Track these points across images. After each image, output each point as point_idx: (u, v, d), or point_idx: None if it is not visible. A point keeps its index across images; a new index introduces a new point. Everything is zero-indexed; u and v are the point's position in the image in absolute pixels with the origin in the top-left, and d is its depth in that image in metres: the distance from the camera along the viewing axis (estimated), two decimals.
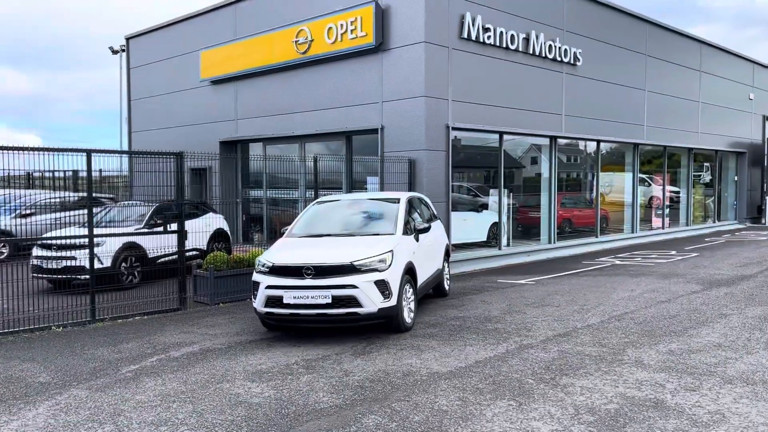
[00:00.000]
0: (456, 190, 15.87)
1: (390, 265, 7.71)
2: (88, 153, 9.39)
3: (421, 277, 8.80)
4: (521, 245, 16.96)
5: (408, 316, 8.16)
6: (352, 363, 6.70)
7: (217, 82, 18.34)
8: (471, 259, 14.97)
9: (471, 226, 16.22)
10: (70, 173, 17.59)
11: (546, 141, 17.28)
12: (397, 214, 8.76)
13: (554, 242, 17.57)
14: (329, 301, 7.43)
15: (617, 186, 21.10)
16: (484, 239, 16.28)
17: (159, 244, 11.65)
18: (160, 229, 11.47)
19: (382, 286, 7.55)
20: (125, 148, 23.48)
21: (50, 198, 17.78)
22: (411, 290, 8.28)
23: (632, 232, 20.75)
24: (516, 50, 15.43)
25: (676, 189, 23.63)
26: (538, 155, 17.85)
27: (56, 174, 21.80)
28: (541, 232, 17.66)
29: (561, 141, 17.70)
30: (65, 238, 11.05)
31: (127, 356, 7.27)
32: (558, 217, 18.23)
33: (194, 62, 18.71)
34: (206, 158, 14.36)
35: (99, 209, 13.95)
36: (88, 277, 11.97)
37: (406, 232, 8.61)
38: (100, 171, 11.67)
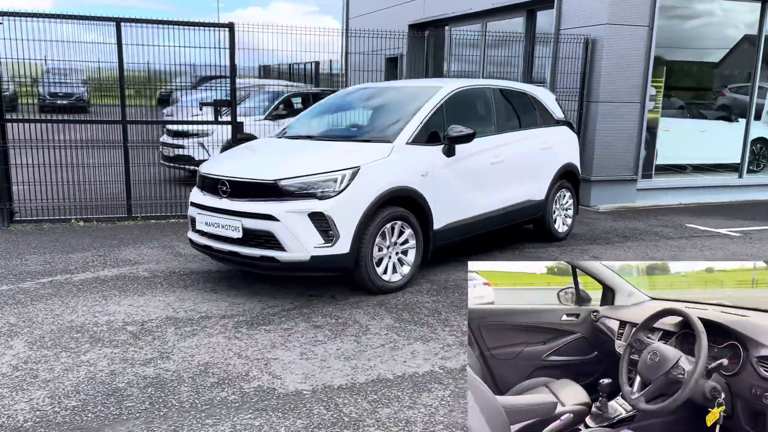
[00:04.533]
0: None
1: (343, 190, 4.87)
2: (117, 22, 7.98)
3: (451, 215, 5.70)
4: None
5: (396, 272, 5.31)
6: (209, 339, 4.29)
7: None
8: (688, 188, 10.61)
9: (713, 141, 11.51)
10: (311, 65, 17.03)
11: None
12: (414, 113, 5.65)
13: None
14: (240, 235, 4.96)
15: None
16: (737, 161, 11.44)
17: None
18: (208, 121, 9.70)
19: (321, 222, 4.79)
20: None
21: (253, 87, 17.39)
22: (408, 232, 5.31)
23: None
24: None
25: None
26: None
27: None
28: None
29: None
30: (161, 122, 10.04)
31: (38, 270, 5.85)
32: None
33: None
34: (392, 38, 11.88)
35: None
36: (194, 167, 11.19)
37: (424, 141, 5.53)
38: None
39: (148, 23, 8.17)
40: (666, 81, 10.31)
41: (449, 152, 5.62)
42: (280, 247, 4.82)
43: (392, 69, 17.11)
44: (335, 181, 4.87)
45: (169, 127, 11.26)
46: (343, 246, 4.86)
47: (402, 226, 5.28)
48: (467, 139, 5.60)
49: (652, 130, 10.45)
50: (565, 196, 7.29)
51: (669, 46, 10.40)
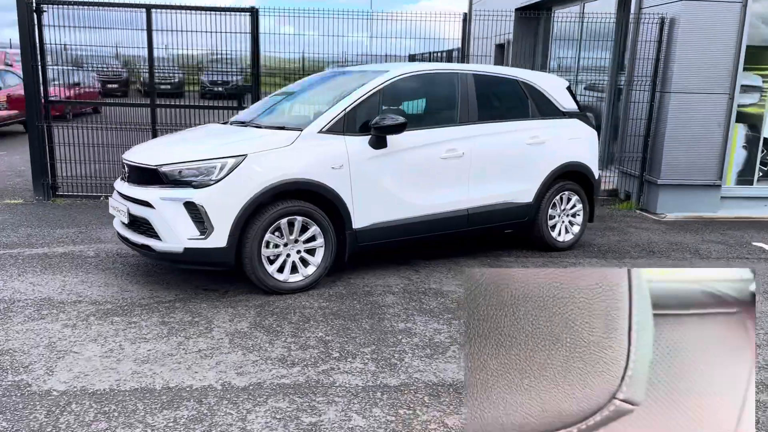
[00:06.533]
0: None
1: (221, 180, 4.54)
2: (148, 8, 8.25)
3: (380, 214, 5.14)
4: None
5: (299, 273, 4.89)
6: (45, 325, 4.21)
7: None
8: None
9: None
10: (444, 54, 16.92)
11: None
12: (339, 100, 5.14)
13: None
14: (127, 220, 4.85)
15: None
16: None
17: None
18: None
19: (196, 213, 4.51)
20: None
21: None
22: (314, 229, 4.85)
23: None
24: None
25: None
26: None
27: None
28: None
29: None
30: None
31: (8, 242, 6.17)
32: None
33: None
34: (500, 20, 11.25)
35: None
36: None
37: (353, 130, 5.01)
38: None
39: (176, 9, 8.35)
40: None
41: (377, 143, 5.04)
42: (156, 235, 4.61)
43: (501, 56, 16.24)
44: (214, 169, 4.55)
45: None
46: (218, 240, 4.53)
47: (305, 223, 4.82)
48: (396, 129, 4.98)
49: (754, 126, 8.76)
50: (570, 200, 6.28)
51: None
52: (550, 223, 6.18)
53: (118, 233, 5.10)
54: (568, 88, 6.44)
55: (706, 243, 6.92)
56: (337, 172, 4.87)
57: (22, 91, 9.64)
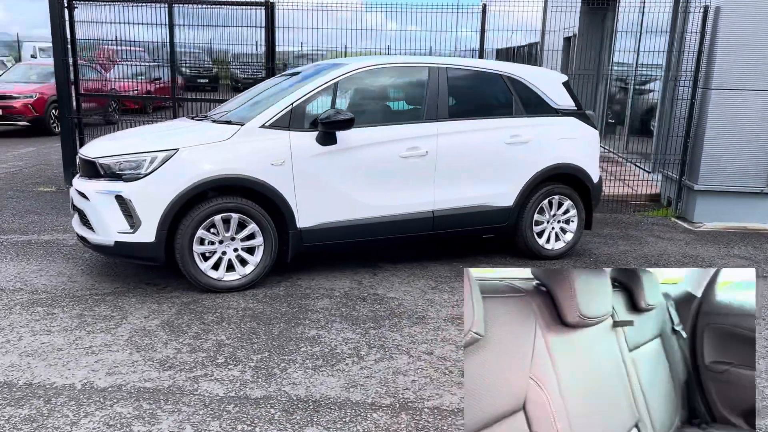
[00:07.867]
0: None
1: (150, 174, 4.47)
2: (169, 4, 8.40)
3: (329, 213, 4.91)
4: None
5: (237, 272, 4.75)
6: None
7: None
8: None
9: None
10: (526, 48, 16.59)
11: None
12: (289, 94, 4.95)
13: None
14: (73, 211, 4.90)
15: None
16: None
17: None
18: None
19: (125, 207, 4.48)
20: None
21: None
22: (252, 227, 4.70)
23: None
24: None
25: None
26: None
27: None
28: None
29: None
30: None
31: (2, 228, 6.48)
32: None
33: None
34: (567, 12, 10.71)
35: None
36: None
37: (300, 126, 4.82)
38: None
39: (198, 4, 8.44)
40: None
41: (326, 140, 4.81)
42: (90, 227, 4.62)
43: (567, 50, 15.45)
44: (144, 162, 4.49)
45: None
46: (146, 235, 4.47)
47: (243, 221, 4.67)
48: (343, 125, 4.74)
49: None
50: (561, 204, 5.77)
51: None
52: (536, 229, 5.71)
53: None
54: (566, 84, 5.90)
55: (727, 258, 6.17)
56: (278, 168, 4.68)
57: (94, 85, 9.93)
